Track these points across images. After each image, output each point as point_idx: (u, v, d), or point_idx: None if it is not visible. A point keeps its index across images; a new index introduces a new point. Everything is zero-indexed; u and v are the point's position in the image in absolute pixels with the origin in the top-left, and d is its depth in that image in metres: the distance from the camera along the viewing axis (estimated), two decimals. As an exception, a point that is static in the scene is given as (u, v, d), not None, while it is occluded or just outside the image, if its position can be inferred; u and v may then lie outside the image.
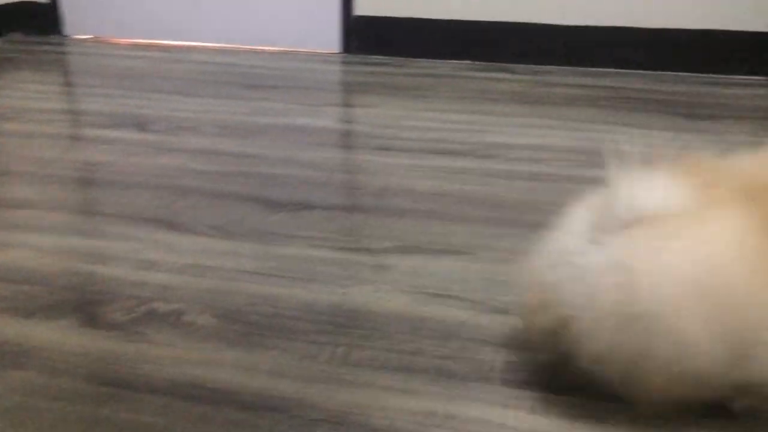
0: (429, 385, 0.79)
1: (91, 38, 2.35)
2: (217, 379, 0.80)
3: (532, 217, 1.18)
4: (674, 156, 0.71)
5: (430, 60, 2.18)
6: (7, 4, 2.31)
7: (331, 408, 0.76)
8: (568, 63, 2.09)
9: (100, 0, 2.30)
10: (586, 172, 1.36)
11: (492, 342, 0.86)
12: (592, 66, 2.07)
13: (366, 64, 2.16)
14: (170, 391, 0.78)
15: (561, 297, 0.70)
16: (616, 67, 2.06)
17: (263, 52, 2.25)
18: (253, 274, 1.01)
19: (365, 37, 2.22)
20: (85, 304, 0.93)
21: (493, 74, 2.05)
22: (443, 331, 0.88)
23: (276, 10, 2.23)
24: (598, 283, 0.67)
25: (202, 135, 1.55)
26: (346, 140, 1.57)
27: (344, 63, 2.18)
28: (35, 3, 2.34)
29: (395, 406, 0.76)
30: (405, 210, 1.21)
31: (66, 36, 2.37)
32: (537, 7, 2.07)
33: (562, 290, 0.70)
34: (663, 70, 2.02)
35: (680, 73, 1.99)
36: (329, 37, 2.22)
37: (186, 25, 2.28)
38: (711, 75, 1.97)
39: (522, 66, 2.10)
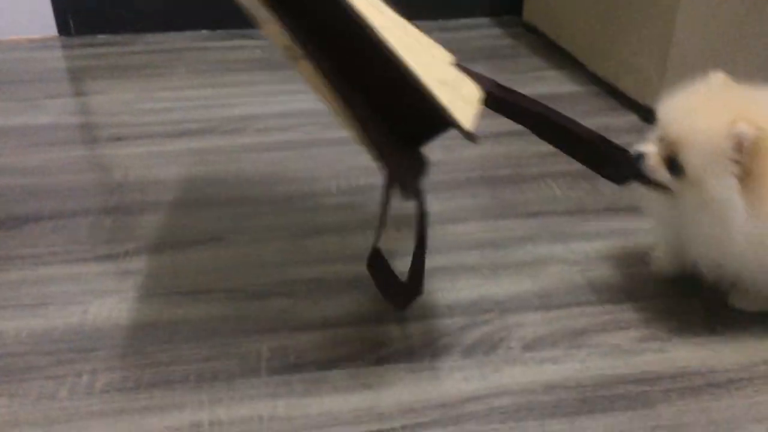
0: (191, 394, 0.73)
1: None
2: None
3: (284, 189, 1.15)
4: None
5: (163, 33, 2.02)
6: None
7: (81, 449, 0.67)
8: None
9: None
10: (334, 132, 1.35)
11: (256, 330, 0.82)
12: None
13: (89, 45, 1.94)
14: None
15: None
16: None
17: (-38, 44, 1.93)
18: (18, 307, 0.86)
19: (84, 15, 1.99)
20: None
21: (233, 42, 1.96)
22: (200, 331, 0.82)
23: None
24: None
25: None
26: (73, 135, 1.40)
27: (64, 47, 1.95)
28: None
29: (155, 427, 0.69)
30: (147, 204, 1.11)
31: None
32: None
33: None
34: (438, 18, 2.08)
35: (416, 22, 2.06)
36: (42, 20, 1.96)
37: None
38: (446, 21, 2.06)
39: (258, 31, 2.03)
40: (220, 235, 1.02)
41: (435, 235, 0.99)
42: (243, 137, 1.35)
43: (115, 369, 0.76)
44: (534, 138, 0.82)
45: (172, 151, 1.29)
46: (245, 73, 1.72)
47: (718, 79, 0.78)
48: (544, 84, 1.59)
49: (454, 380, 0.74)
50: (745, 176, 0.72)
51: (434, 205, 1.07)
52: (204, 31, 2.05)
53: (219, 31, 2.05)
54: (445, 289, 0.89)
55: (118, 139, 1.35)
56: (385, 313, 0.84)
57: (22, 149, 1.31)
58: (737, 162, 0.72)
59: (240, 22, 2.04)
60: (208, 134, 1.36)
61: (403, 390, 0.73)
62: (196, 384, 0.74)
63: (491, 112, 0.81)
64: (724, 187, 0.73)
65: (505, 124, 0.85)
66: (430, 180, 1.11)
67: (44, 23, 1.98)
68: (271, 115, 1.45)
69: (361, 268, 0.90)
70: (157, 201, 1.12)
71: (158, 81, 1.67)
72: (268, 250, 0.98)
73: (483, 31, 2.01)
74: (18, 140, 1.35)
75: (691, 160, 0.74)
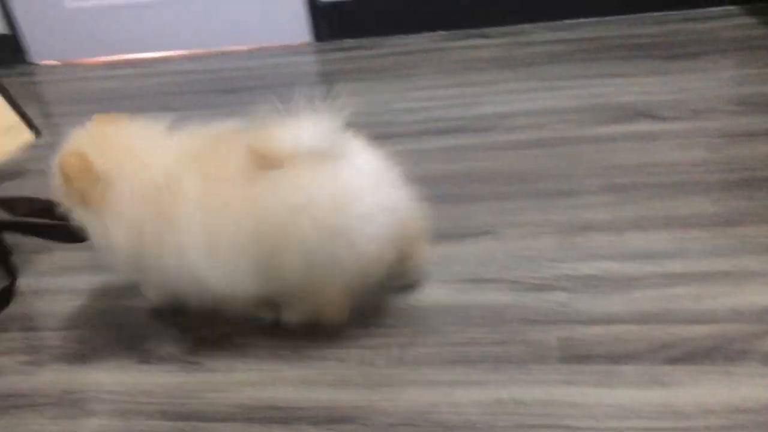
0: (490, 373, 0.81)
1: (59, 63, 2.30)
2: (284, 398, 0.81)
3: (545, 186, 1.20)
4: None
5: (403, 36, 2.16)
6: (-36, 41, 2.25)
7: (402, 411, 0.78)
8: (542, 19, 2.09)
9: (62, 22, 2.24)
10: (585, 130, 1.38)
11: (541, 321, 0.88)
12: (566, 18, 2.08)
13: (340, 50, 2.14)
14: (243, 416, 0.79)
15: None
16: (589, 17, 2.06)
17: (235, 52, 2.22)
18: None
19: (334, 22, 2.19)
20: (133, 340, 0.94)
21: (470, 41, 2.04)
22: (489, 317, 0.90)
23: (241, 9, 2.19)
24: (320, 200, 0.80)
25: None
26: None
27: (318, 52, 2.16)
28: (-7, 34, 2.28)
29: (463, 399, 0.78)
30: (420, 198, 1.22)
31: (33, 64, 2.31)
32: (502, -33, 2.07)
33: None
34: (636, 12, 2.03)
35: (654, 14, 2.00)
36: (298, 28, 2.19)
37: (153, 36, 2.23)
38: (685, 11, 1.98)
39: (497, 29, 2.09)
40: (491, 229, 1.09)
41: (712, 236, 0.99)
42: (496, 135, 1.42)
43: (419, 345, 0.87)
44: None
45: (435, 148, 1.40)
46: (486, 72, 1.79)
47: (100, 120, 0.86)
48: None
49: (756, 386, 0.74)
50: (87, 202, 0.78)
51: (707, 206, 1.06)
52: (441, 32, 2.15)
53: (455, 31, 2.15)
54: (731, 293, 0.88)
55: (383, 137, 1.48)
56: (667, 313, 0.87)
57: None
58: (74, 190, 0.78)
59: (475, 21, 2.12)
60: (462, 132, 1.45)
61: (700, 391, 0.75)
62: (494, 365, 0.82)
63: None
64: (81, 215, 0.81)
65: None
66: (700, 179, 1.10)
67: (299, 31, 2.21)
68: (519, 113, 1.51)
69: (637, 268, 0.93)
70: (428, 195, 1.22)
71: (407, 82, 1.80)
72: (540, 245, 1.03)
73: (733, 21, 1.89)
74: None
75: (57, 195, 0.82)
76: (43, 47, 2.29)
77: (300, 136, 0.79)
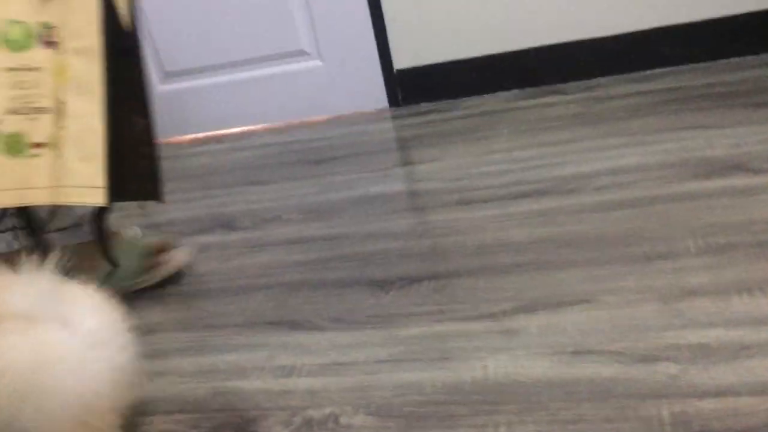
0: (603, 452, 0.79)
1: (151, 143, 2.44)
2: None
3: (639, 249, 1.18)
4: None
5: (478, 97, 2.20)
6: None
7: (516, 495, 0.77)
8: (617, 72, 2.09)
9: (155, 104, 2.39)
10: (675, 187, 1.35)
11: (650, 394, 0.86)
12: (643, 69, 2.07)
13: (416, 114, 2.19)
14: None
15: None
16: (667, 66, 2.04)
17: (316, 123, 2.31)
18: (389, 362, 1.03)
19: (409, 88, 2.25)
20: (243, 423, 0.97)
21: (545, 99, 2.06)
22: (596, 391, 0.89)
23: (319, 81, 2.28)
24: None
25: (287, 224, 1.59)
26: (424, 201, 1.59)
27: (395, 118, 2.22)
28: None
29: (579, 481, 0.76)
30: (510, 265, 1.22)
31: (127, 146, 2.47)
32: (570, 24, 2.09)
33: None
34: (717, 59, 2.00)
35: (735, 59, 1.97)
36: (375, 95, 2.26)
37: (237, 112, 2.35)
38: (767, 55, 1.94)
39: (571, 85, 2.10)
40: (589, 297, 1.08)
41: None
42: (582, 196, 1.41)
43: (526, 422, 0.86)
44: None
45: (517, 213, 1.40)
46: (564, 130, 1.80)
47: None
48: None
49: None
50: None
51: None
52: (515, 91, 2.18)
53: (528, 89, 2.17)
54: None
55: (465, 203, 1.51)
56: (787, 383, 0.83)
57: (384, 215, 1.53)
58: None
59: (549, 78, 2.14)
60: (547, 195, 1.45)
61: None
62: (606, 443, 0.80)
63: None
64: None
65: None
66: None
67: (376, 97, 2.28)
68: (603, 172, 1.50)
69: (746, 335, 0.89)
70: (517, 262, 1.22)
71: (484, 144, 1.82)
72: (642, 312, 1.01)
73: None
74: (378, 207, 1.57)
75: None
76: (137, 129, 2.44)
77: (11, 297, 0.80)
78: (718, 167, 1.38)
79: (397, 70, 2.23)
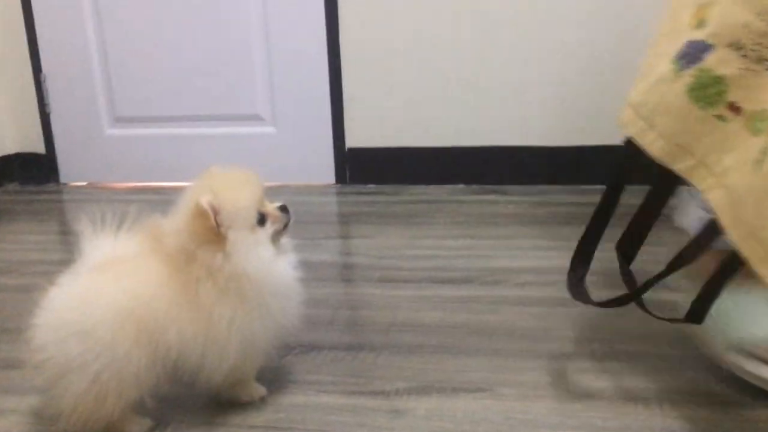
0: None
1: (87, 185, 2.38)
2: None
3: (546, 346, 1.15)
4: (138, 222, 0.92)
5: (424, 186, 2.21)
6: (3, 156, 2.36)
7: None
8: (560, 182, 2.13)
9: (93, 147, 2.35)
10: (594, 293, 1.33)
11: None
12: (584, 183, 2.11)
13: (361, 193, 2.18)
14: None
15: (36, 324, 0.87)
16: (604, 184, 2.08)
17: (258, 187, 2.28)
18: (263, 428, 0.95)
19: (359, 167, 2.26)
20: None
21: (487, 197, 2.07)
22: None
23: (270, 147, 2.28)
24: (58, 309, 0.87)
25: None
26: (348, 273, 1.55)
27: (340, 194, 2.21)
28: (31, 153, 2.39)
29: None
30: (415, 346, 1.17)
31: (62, 184, 2.40)
32: (523, 130, 2.14)
33: (36, 321, 0.87)
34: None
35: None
36: (324, 169, 2.26)
37: (182, 166, 2.31)
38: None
39: (514, 187, 2.13)
40: (486, 386, 1.03)
41: (719, 417, 0.91)
42: (503, 289, 1.39)
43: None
44: None
45: (436, 297, 1.37)
46: (500, 227, 1.80)
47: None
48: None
49: None
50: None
51: (711, 383, 0.99)
52: (461, 185, 2.19)
53: (473, 186, 2.18)
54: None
55: (388, 280, 1.47)
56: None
57: (306, 282, 1.47)
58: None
59: (495, 178, 2.16)
60: (469, 283, 1.42)
61: None
62: None
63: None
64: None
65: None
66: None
67: (325, 172, 2.27)
68: (528, 270, 1.48)
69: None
70: (424, 344, 1.17)
71: (421, 229, 1.81)
72: (537, 408, 0.96)
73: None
74: (303, 273, 1.52)
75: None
76: (75, 169, 2.38)
77: None
78: (639, 280, 1.37)
79: (349, 148, 2.24)
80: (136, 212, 0.94)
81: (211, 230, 0.87)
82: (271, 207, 0.95)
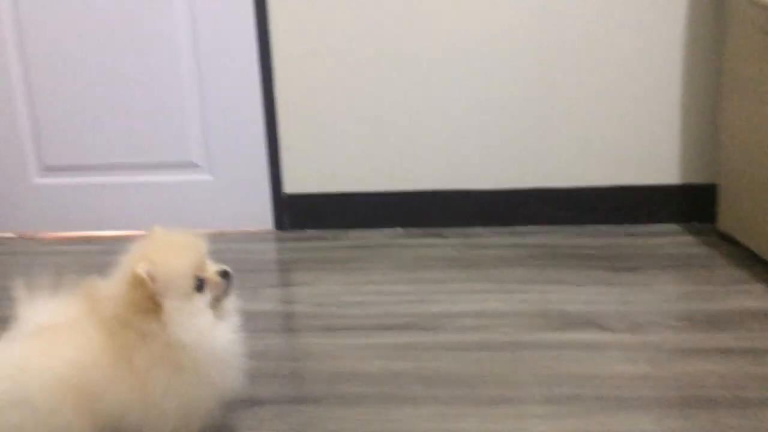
0: None
1: (15, 236, 2.30)
2: None
3: (487, 392, 1.17)
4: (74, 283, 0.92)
5: (363, 230, 2.22)
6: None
7: None
8: (495, 224, 2.18)
9: (21, 196, 2.27)
10: (532, 336, 1.38)
11: None
12: (518, 224, 2.17)
13: (299, 239, 2.18)
14: None
15: None
16: (541, 224, 2.16)
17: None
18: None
19: (296, 213, 2.26)
20: None
21: (426, 240, 2.11)
22: None
23: (206, 194, 2.26)
24: None
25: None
26: (289, 323, 1.54)
27: (278, 240, 2.20)
28: (-45, 203, 2.29)
29: None
30: (358, 396, 1.18)
31: (-13, 234, 2.30)
32: (458, 174, 2.19)
33: None
34: (585, 224, 2.14)
35: (601, 226, 2.11)
36: (262, 216, 2.24)
37: (114, 215, 2.26)
38: (631, 225, 2.09)
39: (452, 230, 2.17)
40: (429, 436, 1.04)
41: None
42: (443, 334, 1.41)
43: None
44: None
45: (378, 344, 1.38)
46: (438, 270, 1.83)
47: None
48: (750, 298, 1.53)
49: None
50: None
51: (646, 425, 1.03)
52: (399, 229, 2.22)
53: (411, 229, 2.22)
54: None
55: (329, 329, 1.47)
56: None
57: (247, 333, 1.46)
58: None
59: (432, 221, 2.21)
60: (409, 330, 1.44)
61: None
62: None
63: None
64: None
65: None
66: (641, 395, 1.08)
67: (262, 218, 2.26)
68: (467, 314, 1.51)
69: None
70: (367, 393, 1.18)
71: (360, 274, 1.82)
72: (478, 456, 0.98)
73: (673, 239, 2.00)
74: (243, 324, 1.51)
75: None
76: (2, 219, 2.29)
77: None
78: (573, 321, 1.43)
79: (286, 194, 2.24)
80: (71, 271, 0.92)
81: (147, 299, 0.86)
82: (212, 272, 0.94)
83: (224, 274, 0.94)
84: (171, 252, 0.90)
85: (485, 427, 1.06)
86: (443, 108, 2.16)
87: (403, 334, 1.42)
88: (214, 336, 0.92)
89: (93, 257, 2.05)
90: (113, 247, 2.15)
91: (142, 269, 0.85)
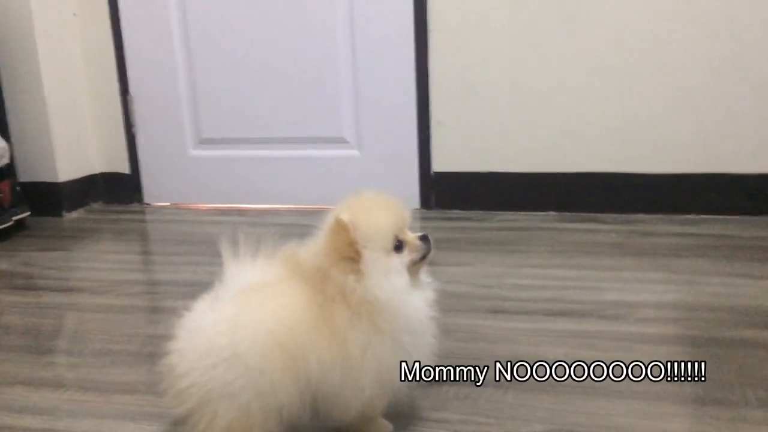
0: None
1: (170, 205, 2.37)
2: None
3: (693, 391, 1.05)
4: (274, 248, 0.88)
5: (512, 212, 2.13)
6: (89, 176, 2.37)
7: None
8: (658, 211, 2.02)
9: (178, 168, 2.35)
10: (728, 332, 1.24)
11: None
12: (684, 213, 2.00)
13: (447, 219, 2.11)
14: None
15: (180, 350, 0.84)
16: (711, 214, 1.97)
17: (340, 211, 2.23)
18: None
19: (444, 192, 2.19)
20: None
21: (583, 225, 1.98)
22: None
23: (353, 170, 2.24)
24: (207, 334, 0.82)
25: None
26: (454, 302, 1.47)
27: (424, 219, 2.14)
28: (116, 173, 2.40)
29: None
30: (545, 384, 1.09)
31: (146, 204, 2.40)
32: (620, 156, 2.05)
33: (180, 346, 0.84)
34: (763, 214, 1.93)
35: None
36: (408, 194, 2.20)
37: (264, 188, 2.29)
38: None
39: (610, 215, 2.03)
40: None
41: None
42: (625, 325, 1.30)
43: None
44: None
45: (554, 330, 1.28)
46: (604, 257, 1.70)
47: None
48: None
49: None
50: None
51: None
52: (552, 213, 2.10)
53: (565, 214, 2.09)
54: None
55: (498, 311, 1.39)
56: None
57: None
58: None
59: (587, 205, 2.07)
60: (586, 317, 1.34)
61: None
62: None
63: None
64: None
65: None
66: None
67: (409, 196, 2.21)
68: (647, 304, 1.38)
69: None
70: (551, 382, 1.09)
71: (518, 257, 1.73)
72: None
73: None
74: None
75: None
76: (159, 189, 2.38)
77: None
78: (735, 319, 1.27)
79: (435, 172, 2.18)
80: (271, 237, 0.89)
81: (348, 245, 0.84)
82: (412, 236, 0.90)
83: (424, 239, 0.89)
84: (374, 208, 0.88)
85: (696, 429, 0.94)
86: (616, 87, 2.01)
87: (581, 321, 1.32)
88: (410, 301, 0.87)
89: (244, 228, 2.08)
90: (263, 219, 2.18)
91: (344, 216, 0.83)
